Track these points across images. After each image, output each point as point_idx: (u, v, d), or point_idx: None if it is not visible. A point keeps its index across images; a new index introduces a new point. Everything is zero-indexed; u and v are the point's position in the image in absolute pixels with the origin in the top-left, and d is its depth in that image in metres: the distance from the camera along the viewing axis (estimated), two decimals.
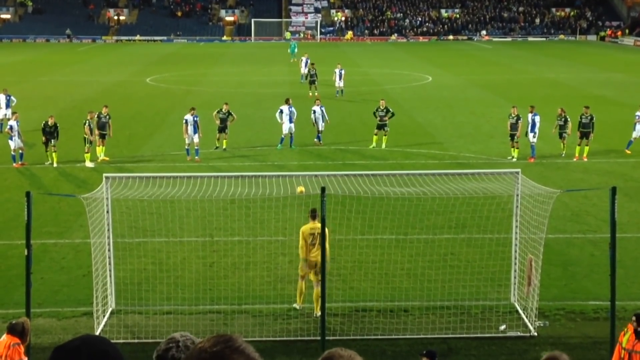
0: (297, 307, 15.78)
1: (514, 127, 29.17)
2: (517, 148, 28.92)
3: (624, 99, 45.48)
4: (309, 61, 53.55)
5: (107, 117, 29.08)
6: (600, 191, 22.94)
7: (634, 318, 12.05)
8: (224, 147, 30.64)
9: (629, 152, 30.21)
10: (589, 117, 29.18)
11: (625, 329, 12.26)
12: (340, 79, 46.03)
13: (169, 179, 18.06)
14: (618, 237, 14.22)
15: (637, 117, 30.36)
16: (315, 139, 31.93)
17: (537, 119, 28.80)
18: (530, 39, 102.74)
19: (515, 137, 29.01)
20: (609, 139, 32.58)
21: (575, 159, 29.06)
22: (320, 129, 31.88)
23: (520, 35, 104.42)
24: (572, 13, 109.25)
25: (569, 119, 29.25)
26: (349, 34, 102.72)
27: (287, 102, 31.77)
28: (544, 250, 15.45)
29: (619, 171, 27.55)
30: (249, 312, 15.74)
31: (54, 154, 28.06)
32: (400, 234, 19.73)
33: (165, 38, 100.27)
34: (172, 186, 17.65)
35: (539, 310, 15.04)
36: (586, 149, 29.21)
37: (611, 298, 13.96)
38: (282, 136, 31.25)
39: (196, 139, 28.63)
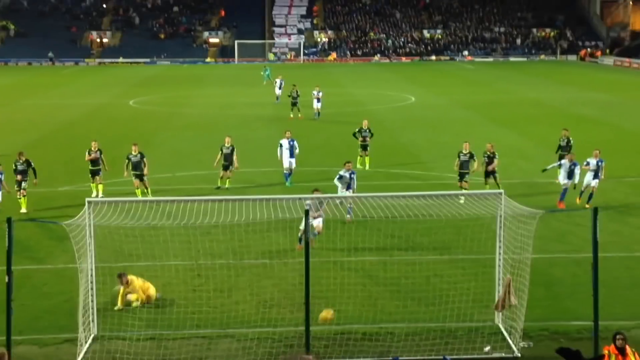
0: None
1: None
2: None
3: (606, 119, 45.91)
4: (283, 83, 54.00)
5: (99, 151, 26.63)
6: (582, 211, 23.06)
7: (614, 339, 12.09)
8: (226, 186, 27.91)
9: (586, 205, 25.14)
10: (566, 140, 29.76)
11: (608, 352, 12.19)
12: (318, 101, 46.43)
13: (153, 202, 17.98)
14: (600, 257, 14.29)
15: (585, 164, 25.75)
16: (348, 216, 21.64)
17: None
18: (511, 59, 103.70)
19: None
20: None
21: (556, 181, 29.12)
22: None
23: (501, 56, 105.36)
24: (552, 33, 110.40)
25: (495, 157, 26.35)
26: (332, 55, 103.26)
27: (286, 134, 29.23)
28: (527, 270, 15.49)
29: (600, 191, 27.71)
30: (234, 337, 15.65)
31: (23, 200, 25.07)
32: (385, 256, 19.73)
33: (148, 60, 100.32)
34: (155, 209, 17.58)
35: (523, 330, 15.05)
36: None
37: (594, 318, 14.00)
38: (285, 172, 28.66)
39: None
